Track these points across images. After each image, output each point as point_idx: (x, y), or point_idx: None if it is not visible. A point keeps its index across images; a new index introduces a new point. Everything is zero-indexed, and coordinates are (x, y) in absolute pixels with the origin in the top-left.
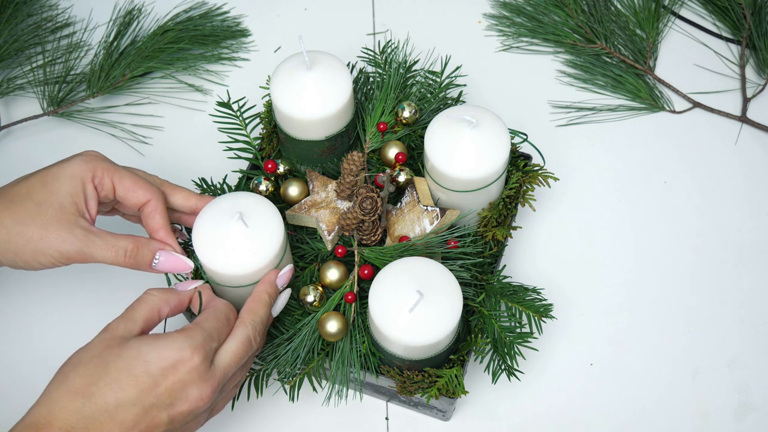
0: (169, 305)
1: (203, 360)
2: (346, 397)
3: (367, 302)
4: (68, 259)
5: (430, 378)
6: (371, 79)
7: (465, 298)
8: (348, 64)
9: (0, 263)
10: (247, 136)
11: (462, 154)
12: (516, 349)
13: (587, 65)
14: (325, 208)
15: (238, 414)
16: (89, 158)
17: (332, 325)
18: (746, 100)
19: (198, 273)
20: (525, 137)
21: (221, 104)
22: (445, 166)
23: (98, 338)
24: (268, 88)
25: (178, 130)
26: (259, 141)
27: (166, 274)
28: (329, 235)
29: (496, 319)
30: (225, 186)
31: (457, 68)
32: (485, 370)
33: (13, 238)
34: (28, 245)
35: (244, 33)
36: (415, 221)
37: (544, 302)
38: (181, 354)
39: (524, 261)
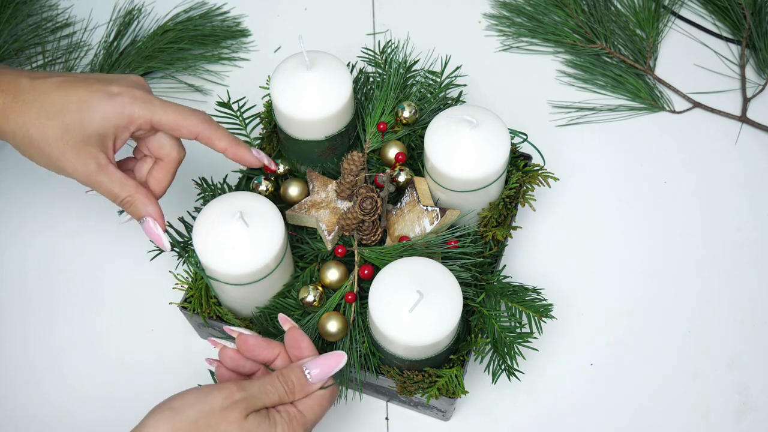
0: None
1: (240, 414)
2: (346, 397)
3: (367, 302)
4: (76, 178)
5: (430, 378)
6: (371, 79)
7: (465, 298)
8: (348, 64)
9: (17, 148)
10: (247, 136)
11: (462, 154)
12: (516, 349)
13: (587, 65)
14: (325, 208)
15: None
16: (129, 101)
17: (332, 325)
18: (746, 100)
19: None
20: (525, 137)
21: (221, 104)
22: (445, 166)
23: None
24: (268, 88)
25: None
26: (259, 141)
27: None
28: (329, 235)
29: (496, 319)
30: (225, 186)
31: (457, 68)
32: (485, 370)
33: (34, 149)
34: (43, 159)
35: (244, 33)
36: (415, 221)
37: (544, 302)
38: (225, 419)
39: (524, 261)
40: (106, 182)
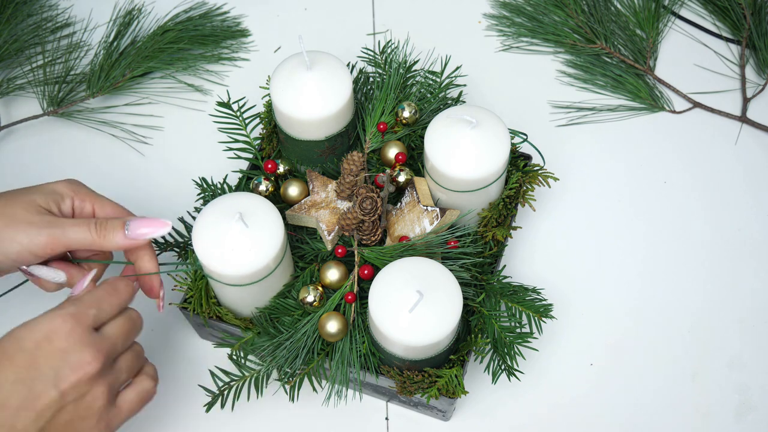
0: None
1: (77, 324)
2: (346, 397)
3: (367, 302)
4: (38, 247)
5: (430, 378)
6: (371, 79)
7: (465, 298)
8: (348, 64)
9: None
10: (247, 136)
11: (462, 154)
12: (516, 349)
13: (587, 65)
14: (325, 208)
15: (238, 414)
16: (72, 182)
17: (332, 325)
18: (746, 100)
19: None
20: (525, 137)
21: (221, 104)
22: (445, 166)
23: None
24: (268, 88)
25: (178, 130)
26: (259, 141)
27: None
28: (329, 235)
29: (496, 319)
30: (225, 186)
31: (457, 68)
32: (485, 370)
33: None
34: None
35: (244, 33)
36: (415, 221)
37: (544, 302)
38: (52, 323)
39: (524, 261)
40: (68, 222)
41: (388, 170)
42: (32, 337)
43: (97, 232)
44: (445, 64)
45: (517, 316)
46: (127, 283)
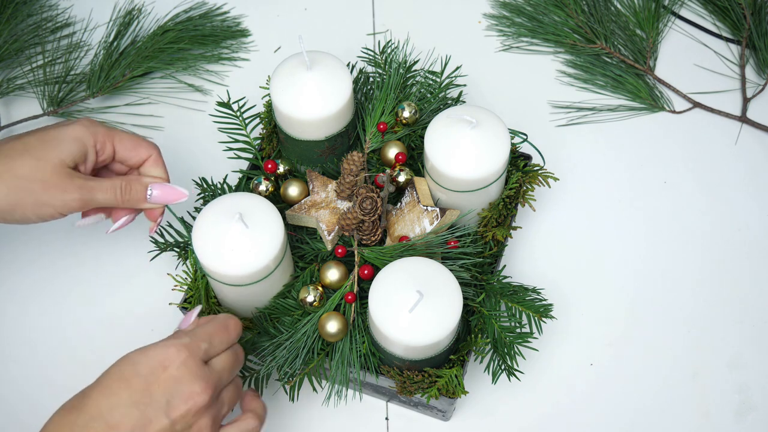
0: None
1: (190, 356)
2: (346, 397)
3: (367, 302)
4: (69, 209)
5: (430, 378)
6: (371, 79)
7: (465, 298)
8: (348, 64)
9: None
10: (247, 136)
11: (462, 154)
12: (516, 349)
13: (587, 65)
14: (325, 208)
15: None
16: (89, 123)
17: (332, 325)
18: (746, 100)
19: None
20: (525, 137)
21: (221, 104)
22: (445, 166)
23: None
24: (268, 88)
25: (178, 130)
26: (259, 141)
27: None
28: (329, 235)
29: (496, 319)
30: (225, 186)
31: (457, 68)
32: (485, 370)
33: (12, 191)
34: (29, 197)
35: (244, 33)
36: (415, 221)
37: (544, 302)
38: (167, 352)
39: (524, 261)
40: (97, 185)
41: (388, 170)
42: (148, 363)
43: (122, 195)
44: (445, 64)
45: (517, 316)
46: (237, 323)
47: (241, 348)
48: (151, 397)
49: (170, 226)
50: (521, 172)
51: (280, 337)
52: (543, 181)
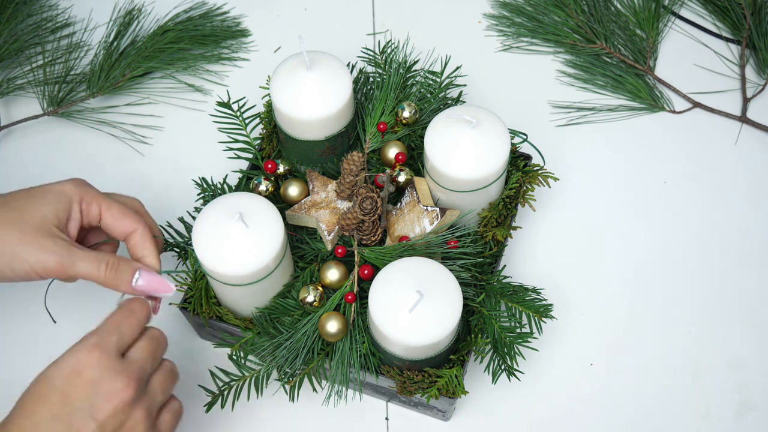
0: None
1: (102, 354)
2: (346, 397)
3: (367, 302)
4: (45, 271)
5: (430, 378)
6: (371, 79)
7: (465, 298)
8: (348, 64)
9: None
10: (247, 136)
11: (462, 154)
12: (516, 349)
13: (587, 65)
14: (325, 208)
15: (238, 414)
16: (78, 183)
17: (332, 325)
18: (746, 100)
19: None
20: (525, 137)
21: (221, 104)
22: (445, 166)
23: None
24: (268, 88)
25: (178, 130)
26: (259, 141)
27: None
28: (329, 235)
29: (496, 319)
30: (225, 186)
31: (457, 68)
32: (485, 370)
33: None
34: (4, 250)
35: (244, 33)
36: (415, 221)
37: (544, 302)
38: (77, 357)
39: (524, 261)
40: (81, 253)
41: (388, 170)
42: (61, 373)
43: (106, 273)
44: (445, 64)
45: (517, 316)
46: (142, 302)
47: (158, 330)
48: (72, 405)
49: (170, 226)
50: (521, 172)
51: (280, 337)
52: (543, 181)
